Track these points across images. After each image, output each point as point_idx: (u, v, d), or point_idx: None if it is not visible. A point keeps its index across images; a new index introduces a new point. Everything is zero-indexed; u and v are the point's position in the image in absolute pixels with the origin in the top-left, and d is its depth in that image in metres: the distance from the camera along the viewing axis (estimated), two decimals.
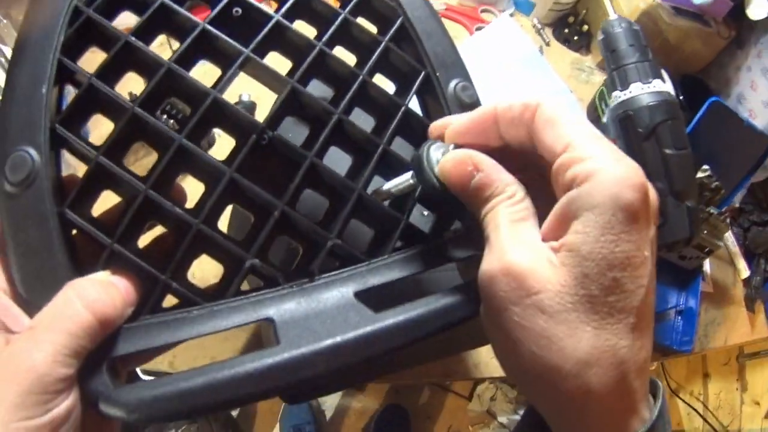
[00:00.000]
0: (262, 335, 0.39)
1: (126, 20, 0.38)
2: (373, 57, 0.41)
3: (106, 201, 0.37)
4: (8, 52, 0.79)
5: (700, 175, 0.81)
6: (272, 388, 0.32)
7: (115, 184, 0.35)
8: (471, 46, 1.02)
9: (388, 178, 0.39)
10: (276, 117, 0.38)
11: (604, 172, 0.27)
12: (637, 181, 0.28)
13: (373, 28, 0.44)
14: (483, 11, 1.09)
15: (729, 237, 1.00)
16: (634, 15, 0.99)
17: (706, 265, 0.96)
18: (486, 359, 0.76)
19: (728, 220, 0.87)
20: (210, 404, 0.31)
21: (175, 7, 0.38)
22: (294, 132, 0.41)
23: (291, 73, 0.39)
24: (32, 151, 0.33)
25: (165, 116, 0.55)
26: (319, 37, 0.41)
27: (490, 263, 0.30)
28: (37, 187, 0.33)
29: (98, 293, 0.30)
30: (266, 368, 0.32)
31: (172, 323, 0.33)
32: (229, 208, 0.38)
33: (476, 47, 1.02)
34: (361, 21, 0.43)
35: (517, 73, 1.01)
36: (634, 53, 0.67)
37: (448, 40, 0.44)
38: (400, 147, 0.41)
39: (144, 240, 0.37)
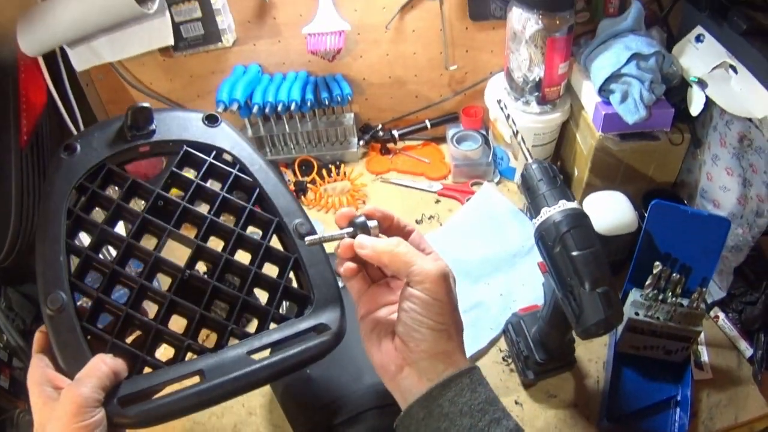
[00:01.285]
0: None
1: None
2: (243, 217, 0.75)
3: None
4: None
5: (654, 271, 0.96)
6: (207, 400, 0.64)
7: (109, 310, 0.69)
8: (463, 214, 1.31)
9: (261, 286, 0.73)
10: (191, 262, 0.72)
11: (441, 262, 0.62)
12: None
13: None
14: (474, 184, 1.40)
15: (725, 324, 1.08)
16: (590, 153, 1.17)
17: (704, 356, 1.05)
18: None
19: (702, 305, 0.95)
20: (175, 412, 0.63)
21: (124, 204, 0.73)
22: None
23: (196, 235, 0.73)
24: (61, 293, 0.66)
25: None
26: (210, 211, 0.74)
27: (435, 267, 0.60)
28: (66, 312, 0.65)
29: (111, 359, 0.63)
30: (203, 389, 0.64)
31: (148, 377, 0.65)
32: None
33: (467, 214, 1.31)
34: (237, 193, 0.78)
35: (500, 227, 1.27)
36: (542, 186, 0.80)
37: (290, 196, 0.78)
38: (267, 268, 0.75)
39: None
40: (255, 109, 1.32)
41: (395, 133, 1.45)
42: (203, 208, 0.75)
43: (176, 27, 1.27)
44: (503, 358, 1.06)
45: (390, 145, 1.47)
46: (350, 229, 0.64)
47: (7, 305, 1.40)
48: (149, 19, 1.21)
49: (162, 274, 0.72)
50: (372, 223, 0.64)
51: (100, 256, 0.71)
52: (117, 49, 1.27)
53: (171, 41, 1.26)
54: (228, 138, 0.80)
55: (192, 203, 0.75)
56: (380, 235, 0.65)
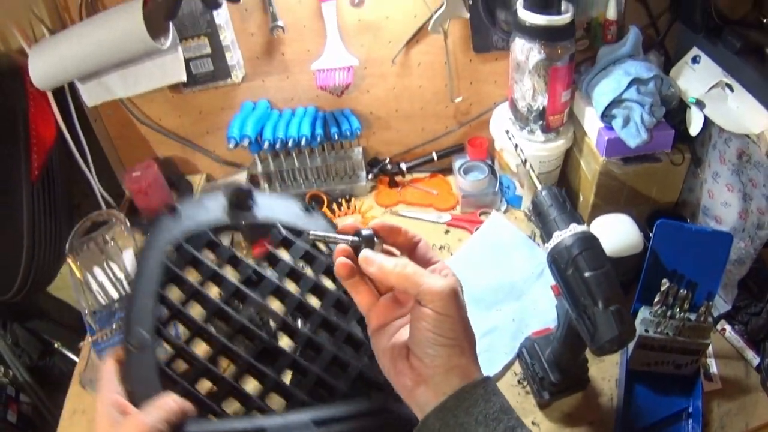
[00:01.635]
0: None
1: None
2: (331, 302, 0.82)
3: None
4: (116, 268, 1.20)
5: (662, 288, 1.00)
6: None
7: (188, 361, 0.73)
8: (473, 243, 1.36)
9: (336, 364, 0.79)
10: (273, 333, 0.78)
11: (451, 272, 0.66)
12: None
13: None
14: (482, 213, 1.43)
15: (732, 336, 1.12)
16: (594, 178, 1.22)
17: (713, 368, 1.09)
18: None
19: (710, 318, 0.99)
20: None
21: (219, 271, 0.80)
22: None
23: (285, 312, 0.80)
24: (145, 333, 0.71)
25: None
26: (298, 291, 0.82)
27: (445, 283, 0.62)
28: (147, 352, 0.70)
29: (181, 399, 0.66)
30: None
31: (213, 423, 0.69)
32: None
33: (477, 243, 1.35)
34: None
35: (510, 254, 1.31)
36: (553, 211, 0.85)
37: None
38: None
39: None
40: (266, 145, 1.36)
41: (403, 166, 1.50)
42: (288, 281, 0.84)
43: (186, 63, 1.31)
44: (518, 381, 1.09)
45: (398, 178, 1.52)
46: (355, 238, 0.67)
47: (14, 341, 1.45)
48: (162, 55, 1.26)
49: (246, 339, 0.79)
50: (366, 231, 0.67)
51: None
52: (129, 85, 1.31)
53: (184, 77, 1.31)
54: (321, 227, 0.89)
55: (282, 282, 0.83)
56: (386, 247, 0.69)
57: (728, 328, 1.12)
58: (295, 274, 0.84)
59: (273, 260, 0.85)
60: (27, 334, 1.48)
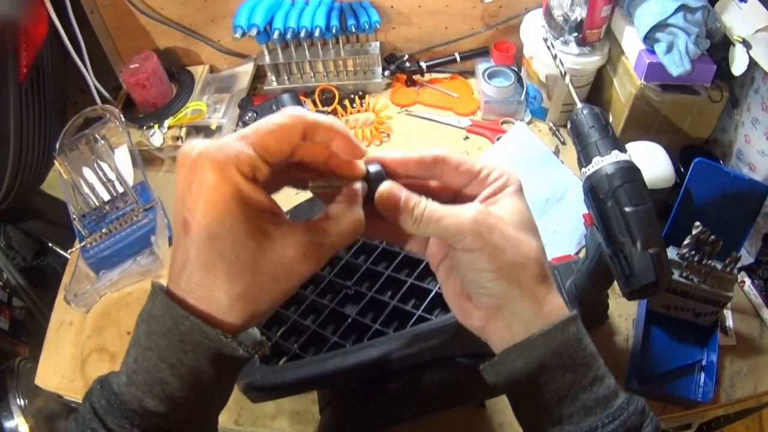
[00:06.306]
0: None
1: None
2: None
3: None
4: (106, 168, 1.26)
5: (694, 231, 1.03)
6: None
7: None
8: (494, 152, 1.45)
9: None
10: (358, 281, 1.00)
11: (508, 173, 0.63)
12: (518, 176, 0.64)
13: None
14: (504, 122, 1.52)
15: (750, 291, 1.20)
16: (629, 101, 1.30)
17: (729, 321, 1.16)
18: (510, 418, 1.00)
19: (735, 270, 1.03)
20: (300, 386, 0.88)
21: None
22: None
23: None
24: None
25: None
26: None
27: (466, 217, 0.57)
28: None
29: None
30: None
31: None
32: None
33: (499, 153, 1.44)
34: None
35: (532, 170, 1.40)
36: (594, 133, 0.85)
37: None
38: None
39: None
40: (276, 35, 1.40)
41: (423, 64, 1.56)
42: None
43: None
44: None
45: (416, 77, 1.59)
46: (360, 183, 0.62)
47: (7, 243, 1.52)
48: None
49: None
50: (374, 167, 0.63)
51: None
52: None
53: None
54: None
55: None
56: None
57: (748, 281, 1.20)
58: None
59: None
60: (20, 234, 1.55)
